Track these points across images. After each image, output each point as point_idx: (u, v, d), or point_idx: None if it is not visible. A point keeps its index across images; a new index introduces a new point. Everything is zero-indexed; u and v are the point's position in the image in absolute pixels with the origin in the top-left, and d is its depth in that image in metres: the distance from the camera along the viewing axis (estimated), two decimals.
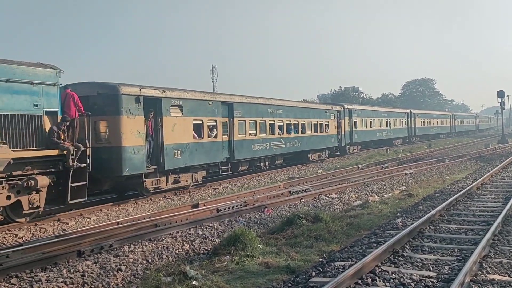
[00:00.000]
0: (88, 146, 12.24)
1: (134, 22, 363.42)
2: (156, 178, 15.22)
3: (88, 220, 12.47)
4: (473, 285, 5.89)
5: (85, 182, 12.02)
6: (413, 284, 5.98)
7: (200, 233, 10.22)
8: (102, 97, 13.81)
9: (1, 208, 10.71)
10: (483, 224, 9.46)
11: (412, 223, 9.35)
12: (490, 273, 6.34)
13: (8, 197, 10.49)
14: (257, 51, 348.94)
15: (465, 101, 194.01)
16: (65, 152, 11.50)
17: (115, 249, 8.85)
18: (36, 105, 11.21)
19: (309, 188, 16.55)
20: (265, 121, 21.91)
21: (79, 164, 11.78)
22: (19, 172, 10.67)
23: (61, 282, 7.19)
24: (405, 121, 46.13)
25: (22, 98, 10.89)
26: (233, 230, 9.55)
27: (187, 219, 11.58)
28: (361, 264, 6.34)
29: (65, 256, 8.30)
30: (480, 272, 6.38)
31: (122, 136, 13.65)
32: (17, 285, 7.13)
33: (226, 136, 18.84)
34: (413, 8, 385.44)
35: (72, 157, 11.58)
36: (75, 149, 11.73)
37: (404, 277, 6.23)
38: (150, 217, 12.00)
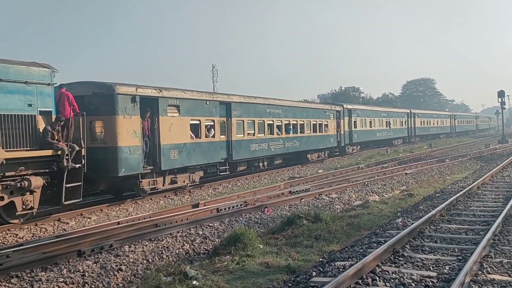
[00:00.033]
0: (83, 146, 12.08)
1: (134, 22, 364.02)
2: (153, 179, 15.11)
3: (88, 220, 12.46)
4: (473, 285, 5.89)
5: (80, 183, 11.84)
6: (413, 284, 5.98)
7: (201, 233, 10.23)
8: (98, 96, 13.72)
9: None
10: (484, 224, 9.47)
11: (413, 223, 9.35)
12: (490, 273, 6.34)
13: (1, 198, 10.32)
14: (257, 51, 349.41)
15: (466, 101, 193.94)
16: (59, 152, 11.34)
17: (116, 249, 8.85)
18: (30, 105, 11.04)
19: (309, 188, 16.54)
20: (264, 121, 21.86)
21: (74, 165, 11.62)
22: (12, 173, 10.47)
23: (61, 282, 7.20)
24: (405, 121, 46.10)
25: (15, 98, 10.72)
26: (233, 230, 9.54)
27: (187, 219, 11.58)
28: (362, 264, 6.35)
29: (65, 256, 8.30)
30: (480, 272, 6.39)
31: (118, 136, 13.54)
32: (18, 285, 7.13)
33: (224, 136, 18.79)
34: (413, 8, 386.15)
35: (67, 157, 11.43)
36: (70, 149, 11.58)
37: (405, 277, 6.23)
38: (150, 217, 12.00)
